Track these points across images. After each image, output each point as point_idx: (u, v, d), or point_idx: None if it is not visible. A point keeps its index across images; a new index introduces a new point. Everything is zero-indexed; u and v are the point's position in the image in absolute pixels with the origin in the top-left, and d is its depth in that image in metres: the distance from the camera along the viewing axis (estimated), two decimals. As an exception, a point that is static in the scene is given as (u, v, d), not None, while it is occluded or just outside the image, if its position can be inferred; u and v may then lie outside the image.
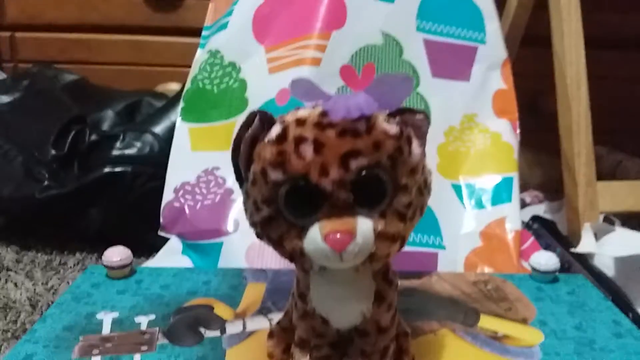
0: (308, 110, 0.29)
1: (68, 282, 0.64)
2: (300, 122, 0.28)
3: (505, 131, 0.66)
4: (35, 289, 0.62)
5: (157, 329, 0.42)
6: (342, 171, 0.27)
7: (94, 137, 0.74)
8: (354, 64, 0.62)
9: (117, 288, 0.48)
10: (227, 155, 0.31)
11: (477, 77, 0.67)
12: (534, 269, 0.50)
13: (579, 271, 0.57)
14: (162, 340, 0.40)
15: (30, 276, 0.65)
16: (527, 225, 0.71)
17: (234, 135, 0.30)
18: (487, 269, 0.59)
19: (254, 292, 0.48)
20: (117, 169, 0.70)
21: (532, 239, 0.64)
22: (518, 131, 0.67)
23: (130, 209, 0.71)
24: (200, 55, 0.68)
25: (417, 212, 0.30)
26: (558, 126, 0.68)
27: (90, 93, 0.88)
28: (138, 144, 0.72)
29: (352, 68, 0.62)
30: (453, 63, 0.67)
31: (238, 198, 0.60)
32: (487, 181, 0.64)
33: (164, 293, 0.48)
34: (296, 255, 0.29)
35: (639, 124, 1.00)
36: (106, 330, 0.42)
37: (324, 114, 0.28)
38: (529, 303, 0.47)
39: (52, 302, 0.46)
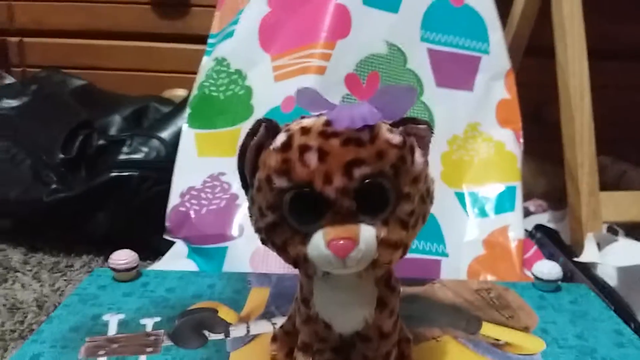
0: (313, 119, 0.29)
1: (74, 284, 0.64)
2: (305, 131, 0.29)
3: (508, 140, 0.67)
4: (42, 291, 0.62)
5: (162, 331, 0.43)
6: (346, 179, 0.27)
7: (101, 141, 0.75)
8: (358, 73, 0.63)
9: (123, 290, 0.49)
10: (233, 161, 0.32)
11: (481, 86, 0.68)
12: (536, 278, 0.51)
13: (582, 280, 0.57)
14: (167, 342, 0.41)
15: (38, 278, 0.66)
16: (530, 234, 0.71)
17: (239, 142, 0.31)
18: (489, 277, 0.59)
19: (258, 297, 0.49)
20: (124, 173, 0.71)
21: (535, 247, 0.65)
22: (521, 140, 0.68)
23: (136, 213, 0.71)
24: (206, 63, 0.69)
25: (420, 220, 0.31)
26: (561, 136, 0.68)
27: (97, 98, 0.89)
28: (145, 149, 0.73)
29: (357, 77, 0.63)
30: (457, 73, 0.67)
31: (243, 203, 0.61)
32: (491, 190, 0.65)
33: (169, 296, 0.48)
34: (300, 261, 0.30)
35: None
36: (112, 331, 0.42)
37: (328, 123, 0.28)
38: (532, 311, 0.47)
39: (59, 304, 0.47)
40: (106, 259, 0.51)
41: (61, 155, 0.73)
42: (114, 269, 0.50)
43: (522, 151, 0.68)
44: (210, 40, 0.72)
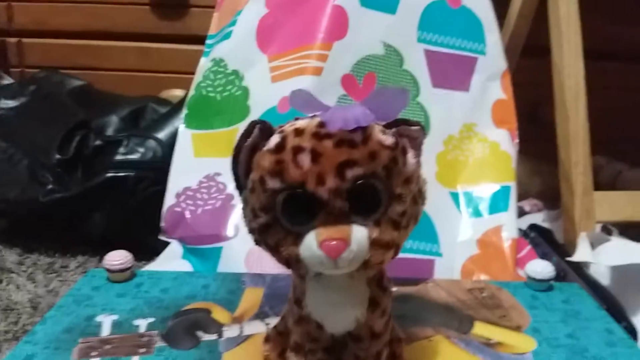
0: (306, 121, 0.30)
1: (69, 285, 0.64)
2: (298, 132, 0.29)
3: (503, 141, 0.67)
4: (36, 291, 0.63)
5: (156, 332, 0.43)
6: (338, 180, 0.28)
7: (98, 142, 0.75)
8: (355, 74, 0.63)
9: (117, 291, 0.49)
10: (229, 161, 0.32)
11: (477, 87, 0.68)
12: (529, 277, 0.51)
13: (574, 280, 0.57)
14: (160, 343, 0.41)
15: (32, 278, 0.66)
16: (524, 234, 0.71)
17: (235, 143, 0.31)
18: (483, 277, 0.60)
19: (252, 297, 0.49)
20: (120, 174, 0.72)
21: (529, 247, 0.65)
22: (517, 140, 0.68)
23: (132, 213, 0.72)
24: (204, 63, 0.70)
25: (412, 220, 0.31)
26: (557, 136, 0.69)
27: (95, 98, 0.89)
28: (141, 149, 0.73)
29: (354, 77, 0.63)
30: (453, 73, 0.68)
31: (238, 204, 0.61)
32: (485, 190, 0.65)
33: (163, 296, 0.48)
34: (292, 262, 0.30)
35: (639, 134, 1.01)
36: (105, 332, 0.42)
37: (321, 124, 0.29)
38: (524, 311, 0.47)
39: (53, 304, 0.47)
40: (102, 259, 0.51)
41: (58, 156, 0.74)
42: (108, 270, 0.50)
43: (517, 151, 0.68)
44: (208, 41, 0.72)
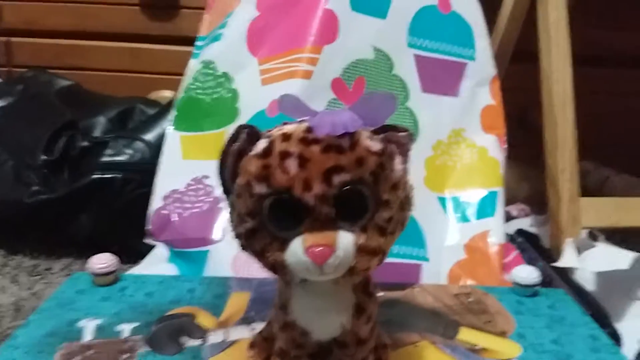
0: (294, 126, 0.30)
1: (53, 287, 0.63)
2: (285, 137, 0.29)
3: (492, 146, 0.67)
4: (20, 294, 0.62)
5: (139, 337, 0.42)
6: (325, 186, 0.27)
7: (85, 143, 0.74)
8: (345, 78, 0.63)
9: (101, 295, 0.49)
10: (216, 162, 0.32)
11: (466, 92, 0.69)
12: (515, 283, 0.51)
13: (560, 285, 0.57)
14: (143, 349, 0.41)
15: (16, 280, 0.65)
16: (511, 239, 0.72)
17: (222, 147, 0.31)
18: (470, 282, 0.60)
19: (237, 301, 0.48)
20: (107, 175, 0.71)
21: (515, 252, 0.65)
22: (505, 146, 0.69)
23: (119, 215, 0.71)
24: (193, 65, 0.69)
25: (398, 227, 0.31)
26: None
27: (83, 99, 0.88)
28: (129, 151, 0.73)
29: (343, 81, 0.63)
30: (443, 78, 0.68)
31: (226, 207, 0.60)
32: (473, 195, 0.65)
33: (148, 301, 0.48)
34: (278, 267, 0.30)
35: (626, 139, 1.02)
36: (88, 337, 0.42)
37: (309, 129, 0.29)
38: (509, 316, 0.48)
39: (37, 307, 0.46)
40: (87, 261, 0.51)
41: (44, 157, 0.73)
42: (92, 273, 0.50)
43: (505, 156, 0.68)
44: (197, 43, 0.72)
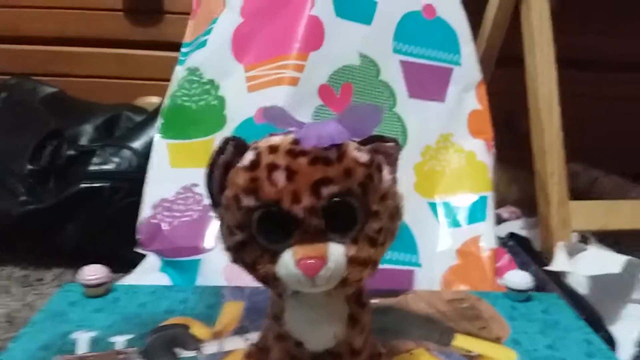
0: (281, 137, 0.29)
1: (45, 298, 0.63)
2: (272, 149, 0.28)
3: (479, 151, 0.68)
4: (12, 305, 0.61)
5: (133, 349, 0.42)
6: (314, 198, 0.27)
7: (71, 151, 0.73)
8: (332, 84, 0.63)
9: (93, 306, 0.48)
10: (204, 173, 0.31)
11: (453, 97, 0.69)
12: (508, 288, 0.51)
13: (553, 290, 0.58)
14: (137, 361, 0.40)
15: (7, 291, 0.64)
16: (503, 242, 0.72)
17: (209, 158, 0.31)
18: (463, 287, 0.60)
19: (231, 311, 0.48)
20: (95, 184, 0.70)
21: (507, 256, 0.65)
22: (493, 150, 0.69)
23: (108, 225, 0.70)
24: (179, 72, 0.69)
25: (389, 237, 0.31)
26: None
27: (68, 106, 0.87)
28: (116, 159, 0.72)
29: (330, 88, 0.63)
30: (429, 84, 0.68)
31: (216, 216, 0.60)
32: (463, 200, 0.65)
33: (141, 312, 0.47)
34: (269, 280, 0.29)
35: (615, 141, 1.03)
36: (82, 349, 0.41)
37: (296, 141, 0.28)
38: (504, 322, 0.48)
39: (29, 318, 0.46)
40: (78, 271, 0.50)
41: (30, 166, 0.72)
42: (84, 285, 0.49)
43: (493, 160, 0.68)
44: (183, 50, 0.71)
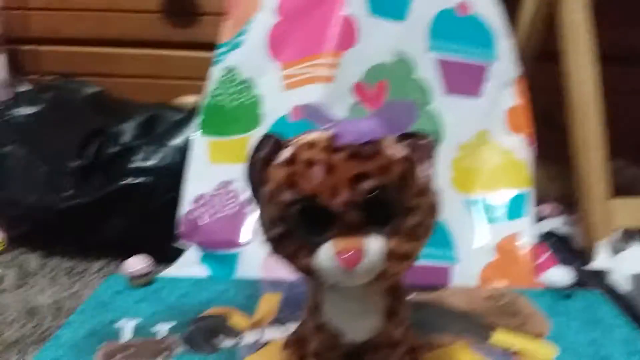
0: (318, 134, 0.30)
1: (91, 288, 0.65)
2: (310, 146, 0.29)
3: (519, 147, 0.67)
4: (59, 294, 0.63)
5: (175, 337, 0.43)
6: (351, 193, 0.28)
7: (114, 148, 0.75)
8: (366, 82, 0.63)
9: (137, 296, 0.50)
10: (243, 168, 0.32)
11: (490, 93, 0.68)
12: (548, 284, 0.50)
13: (595, 287, 0.56)
14: (180, 348, 0.42)
15: (55, 282, 0.67)
16: (543, 240, 0.70)
17: (248, 154, 0.31)
18: (501, 283, 0.59)
19: (269, 302, 0.49)
20: (137, 181, 0.72)
21: (548, 253, 0.64)
22: (533, 146, 0.68)
23: (150, 219, 0.72)
24: (216, 72, 0.70)
25: (425, 232, 0.31)
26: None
27: (110, 105, 0.89)
28: (157, 156, 0.74)
29: (365, 86, 0.63)
30: (465, 80, 0.67)
31: (252, 211, 0.61)
32: (502, 196, 0.65)
33: (183, 302, 0.49)
34: (308, 272, 0.30)
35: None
36: (126, 337, 0.43)
37: (333, 137, 0.29)
38: (543, 318, 0.47)
39: (76, 307, 0.48)
40: (122, 262, 0.52)
41: (75, 163, 0.74)
42: (128, 275, 0.51)
43: (534, 156, 0.67)
44: (219, 50, 0.73)
